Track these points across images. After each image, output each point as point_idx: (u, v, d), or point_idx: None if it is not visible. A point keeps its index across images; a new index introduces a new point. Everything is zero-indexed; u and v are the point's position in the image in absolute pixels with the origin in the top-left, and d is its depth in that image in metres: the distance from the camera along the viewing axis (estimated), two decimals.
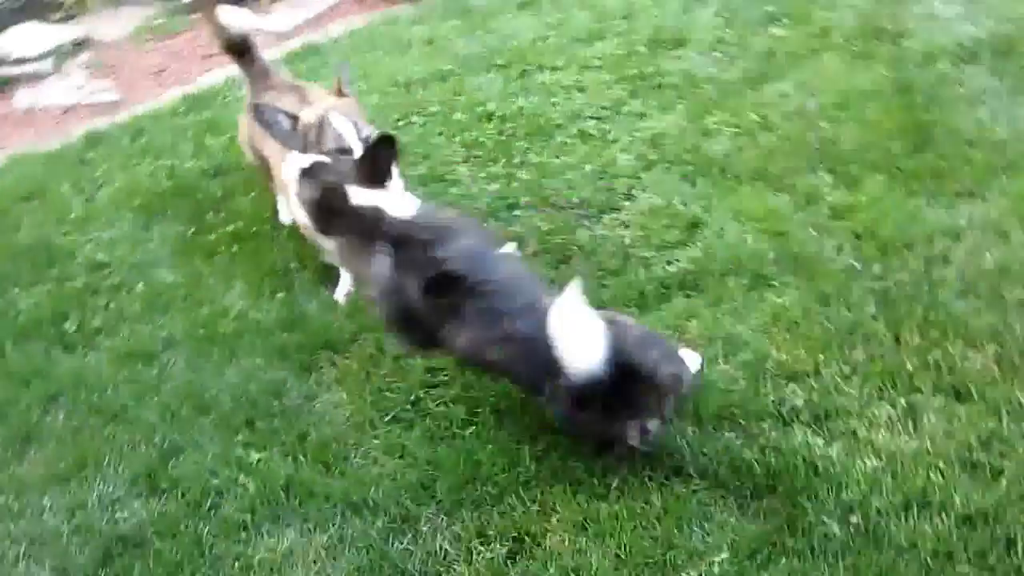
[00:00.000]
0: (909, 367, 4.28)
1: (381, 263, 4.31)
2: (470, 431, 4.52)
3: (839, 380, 4.31)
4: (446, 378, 4.83)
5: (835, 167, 5.51)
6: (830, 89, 6.12)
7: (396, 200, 4.49)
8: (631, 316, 4.63)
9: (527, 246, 5.32)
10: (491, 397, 4.64)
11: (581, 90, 6.92)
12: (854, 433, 4.09)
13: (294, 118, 4.98)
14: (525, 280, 4.32)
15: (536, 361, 3.92)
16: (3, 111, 9.41)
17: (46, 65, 9.85)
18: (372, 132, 5.00)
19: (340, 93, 5.13)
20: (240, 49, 5.96)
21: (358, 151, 4.86)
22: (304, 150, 4.97)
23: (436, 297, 4.21)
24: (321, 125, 4.91)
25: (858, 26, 6.71)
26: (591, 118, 6.55)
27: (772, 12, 7.17)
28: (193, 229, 6.45)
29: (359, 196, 4.44)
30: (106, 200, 7.07)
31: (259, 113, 4.95)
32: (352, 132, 4.89)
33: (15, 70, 9.83)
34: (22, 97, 9.52)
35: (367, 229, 4.41)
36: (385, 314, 4.51)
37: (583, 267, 5.06)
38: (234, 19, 5.84)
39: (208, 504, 4.46)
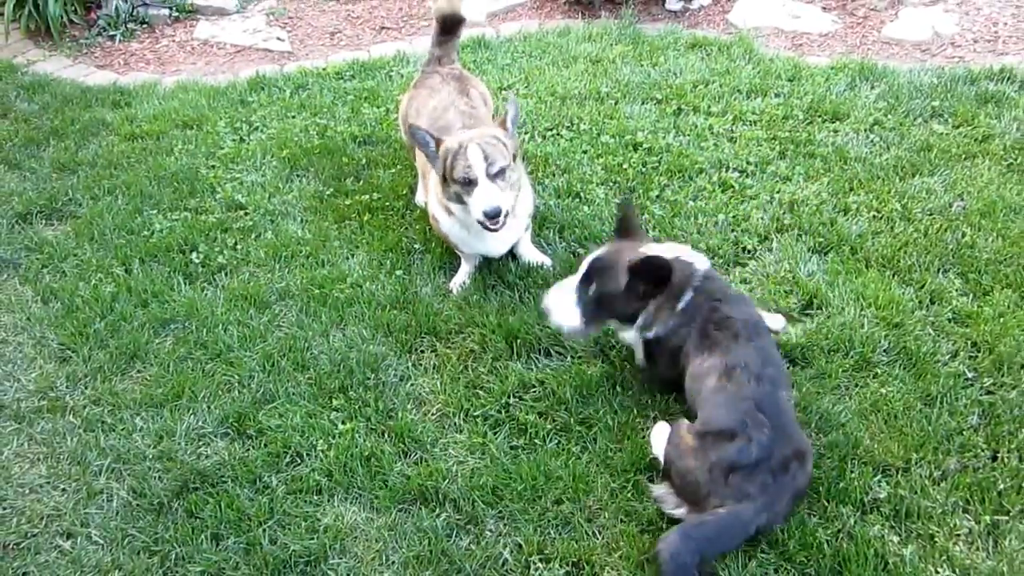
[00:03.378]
0: (1001, 486, 4.09)
1: None
2: (552, 446, 4.46)
3: (927, 483, 4.13)
4: (537, 392, 4.76)
5: (967, 273, 5.31)
6: (978, 195, 5.91)
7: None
8: None
9: None
10: (579, 425, 4.56)
11: (731, 140, 6.80)
12: (932, 538, 3.92)
13: (437, 141, 5.07)
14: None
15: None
16: (183, 38, 9.66)
17: (231, 4, 10.05)
18: (507, 168, 5.00)
19: (503, 126, 5.11)
20: (449, 28, 6.10)
21: (482, 185, 4.90)
22: (441, 172, 5.08)
23: None
24: (456, 152, 4.94)
25: (1020, 139, 6.48)
26: (735, 170, 6.42)
27: (937, 107, 6.96)
28: (331, 190, 6.52)
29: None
30: (256, 144, 7.20)
31: (413, 132, 5.14)
32: (481, 166, 4.90)
33: (202, 2, 10.11)
34: (203, 29, 9.74)
35: None
36: None
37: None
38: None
39: (288, 460, 4.49)
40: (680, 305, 4.40)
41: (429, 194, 5.43)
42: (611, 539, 4.01)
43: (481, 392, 4.78)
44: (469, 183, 4.92)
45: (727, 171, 6.41)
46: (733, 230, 5.81)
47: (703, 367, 4.24)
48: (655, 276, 4.36)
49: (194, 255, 5.92)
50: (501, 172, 4.94)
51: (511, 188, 5.02)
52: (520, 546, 4.01)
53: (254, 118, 7.63)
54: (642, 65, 8.00)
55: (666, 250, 4.51)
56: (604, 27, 8.78)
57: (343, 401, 4.78)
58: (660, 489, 4.11)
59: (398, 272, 5.65)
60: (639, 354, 4.72)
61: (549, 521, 4.10)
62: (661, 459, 4.24)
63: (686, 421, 4.17)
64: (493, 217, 4.84)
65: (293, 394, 4.84)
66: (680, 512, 3.97)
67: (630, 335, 4.70)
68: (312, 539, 4.08)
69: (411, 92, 5.97)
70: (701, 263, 4.52)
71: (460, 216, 5.20)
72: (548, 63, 8.17)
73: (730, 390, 4.06)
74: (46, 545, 4.16)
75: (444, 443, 4.55)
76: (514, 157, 5.13)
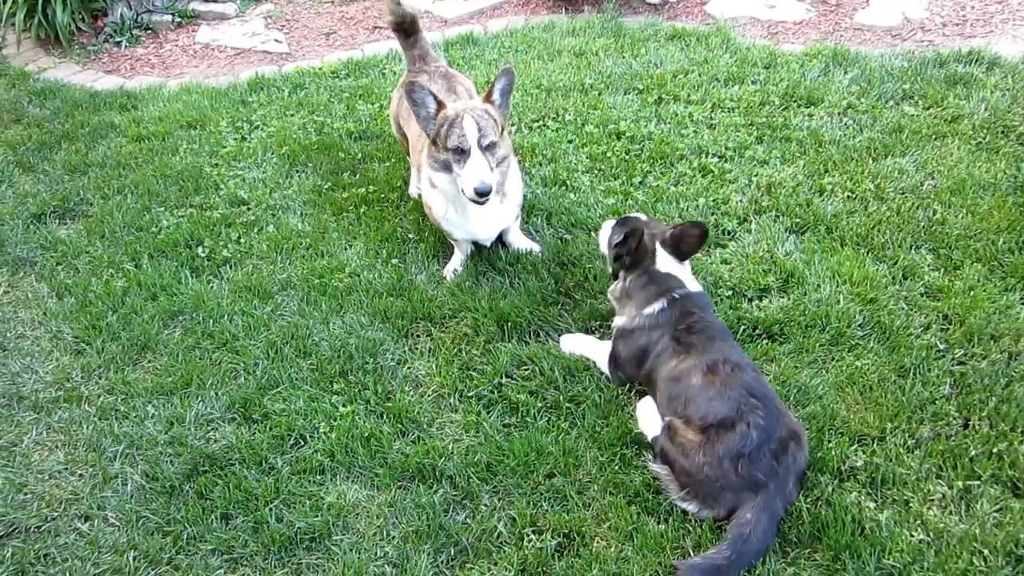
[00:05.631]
0: (972, 452, 4.08)
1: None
2: (543, 423, 4.46)
3: (901, 451, 4.13)
4: (527, 372, 4.75)
5: (938, 248, 5.31)
6: (948, 174, 5.90)
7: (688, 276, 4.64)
8: None
9: None
10: (568, 403, 4.56)
11: (711, 127, 6.78)
12: (906, 504, 3.91)
13: (440, 104, 4.94)
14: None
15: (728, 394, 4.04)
16: (185, 42, 9.61)
17: (230, 8, 10.02)
18: (498, 142, 4.95)
19: (488, 98, 5.06)
20: (407, 29, 5.95)
21: (474, 156, 4.84)
22: (432, 138, 4.98)
23: None
24: (453, 122, 4.87)
25: (988, 119, 6.47)
26: (714, 155, 6.41)
27: (908, 90, 6.95)
28: (328, 184, 6.50)
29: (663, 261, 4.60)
30: (257, 142, 7.18)
31: (411, 90, 4.91)
32: (474, 137, 4.83)
33: (203, 7, 10.05)
34: (204, 33, 9.71)
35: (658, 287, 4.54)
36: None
37: None
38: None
39: (292, 442, 4.50)
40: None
41: (422, 181, 5.40)
42: (600, 510, 4.01)
43: (474, 373, 4.78)
44: (461, 152, 4.86)
45: (707, 157, 6.39)
46: (713, 213, 5.80)
47: (681, 368, 4.23)
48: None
49: (200, 249, 5.92)
50: (491, 146, 4.90)
51: (499, 164, 4.98)
52: (514, 519, 4.01)
53: (254, 117, 7.62)
54: (624, 57, 7.98)
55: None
56: (587, 21, 8.76)
57: (343, 385, 4.78)
58: (660, 470, 4.10)
59: (394, 261, 5.65)
60: (603, 362, 4.73)
61: (541, 494, 4.10)
62: (647, 435, 4.24)
63: (676, 419, 4.16)
64: (484, 195, 4.79)
65: (296, 379, 4.84)
66: (692, 507, 3.95)
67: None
68: (316, 516, 4.08)
69: (400, 91, 5.89)
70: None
71: (443, 187, 5.15)
72: (534, 57, 8.16)
73: (719, 382, 4.05)
74: (65, 528, 4.17)
75: (440, 423, 4.55)
76: (502, 129, 5.09)
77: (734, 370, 4.07)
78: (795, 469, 3.86)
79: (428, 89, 4.95)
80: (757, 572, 3.68)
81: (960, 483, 3.96)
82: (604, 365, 4.69)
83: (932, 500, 3.92)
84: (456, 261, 5.58)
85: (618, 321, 4.63)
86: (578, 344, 4.85)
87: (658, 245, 4.57)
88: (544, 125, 7.04)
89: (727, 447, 3.84)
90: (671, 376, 4.25)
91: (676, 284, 4.52)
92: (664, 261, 4.56)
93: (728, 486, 3.82)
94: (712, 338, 4.28)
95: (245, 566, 3.95)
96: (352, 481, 4.27)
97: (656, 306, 4.46)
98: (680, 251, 4.60)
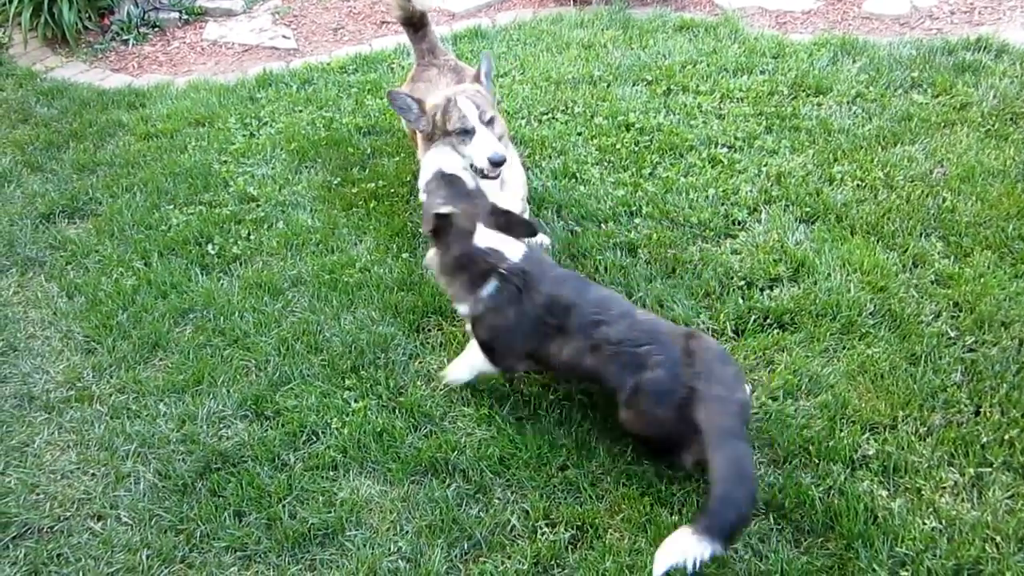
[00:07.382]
0: (984, 439, 4.10)
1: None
2: (556, 415, 4.47)
3: (913, 439, 4.15)
4: None
5: (948, 236, 5.31)
6: (958, 161, 5.90)
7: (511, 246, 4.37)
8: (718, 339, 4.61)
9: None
10: (580, 394, 4.57)
11: (720, 117, 6.78)
12: (919, 491, 3.93)
13: (419, 101, 4.98)
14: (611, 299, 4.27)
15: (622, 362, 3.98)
16: (193, 39, 9.61)
17: (238, 5, 10.02)
18: (496, 117, 4.97)
19: (478, 79, 5.09)
20: (416, 24, 5.96)
21: (480, 132, 4.84)
22: (432, 130, 4.99)
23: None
24: (447, 106, 4.88)
25: (997, 106, 6.47)
26: (724, 145, 6.41)
27: (916, 78, 6.94)
28: (338, 180, 6.51)
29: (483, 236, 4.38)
30: (266, 138, 7.18)
31: (393, 98, 4.98)
32: (474, 114, 4.85)
33: (210, 4, 10.05)
34: (211, 30, 9.71)
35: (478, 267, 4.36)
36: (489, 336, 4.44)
37: None
38: None
39: (304, 438, 4.51)
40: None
41: (421, 177, 5.38)
42: (613, 502, 4.03)
43: None
44: (465, 132, 4.86)
45: (716, 147, 6.39)
46: (723, 203, 5.80)
47: (566, 354, 4.17)
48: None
49: (210, 247, 5.93)
50: (492, 120, 4.92)
51: (499, 139, 4.96)
52: (527, 512, 4.03)
53: (263, 113, 7.61)
54: (632, 48, 7.98)
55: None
56: (595, 13, 8.75)
57: (355, 380, 4.79)
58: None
59: (404, 255, 5.65)
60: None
61: (554, 487, 4.12)
62: None
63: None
64: (498, 164, 4.80)
65: (308, 376, 4.85)
66: (689, 460, 3.98)
67: None
68: (329, 512, 4.10)
69: (409, 85, 5.91)
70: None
71: None
72: (542, 50, 8.14)
73: (607, 357, 4.05)
74: (78, 527, 4.19)
75: (453, 416, 4.56)
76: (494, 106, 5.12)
77: (614, 338, 4.02)
78: (710, 357, 3.89)
79: (403, 93, 5.00)
80: (771, 561, 3.70)
81: (972, 470, 3.98)
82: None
83: (944, 488, 3.94)
84: None
85: (462, 309, 4.50)
86: None
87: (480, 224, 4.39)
88: (553, 118, 7.03)
89: (651, 401, 3.91)
90: (565, 364, 4.23)
91: (499, 259, 4.32)
92: (485, 237, 4.37)
93: (678, 432, 3.88)
94: (570, 307, 4.16)
95: (259, 563, 3.97)
96: (365, 476, 4.29)
97: (488, 288, 4.32)
98: (509, 231, 4.44)
